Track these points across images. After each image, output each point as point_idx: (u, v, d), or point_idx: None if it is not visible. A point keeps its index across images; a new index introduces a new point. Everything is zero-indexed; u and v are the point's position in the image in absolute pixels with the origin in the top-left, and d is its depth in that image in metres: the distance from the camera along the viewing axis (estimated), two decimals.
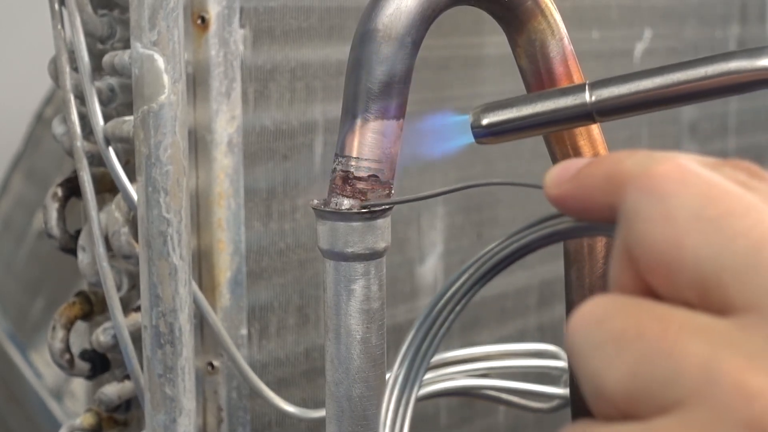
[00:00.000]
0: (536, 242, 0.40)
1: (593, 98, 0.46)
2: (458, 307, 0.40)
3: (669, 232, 0.29)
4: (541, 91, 0.47)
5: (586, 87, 0.46)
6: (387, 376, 0.52)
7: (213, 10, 0.76)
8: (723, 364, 0.26)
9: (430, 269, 0.98)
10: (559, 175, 0.34)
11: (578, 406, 0.62)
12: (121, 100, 0.75)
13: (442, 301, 0.40)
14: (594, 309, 0.29)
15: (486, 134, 0.48)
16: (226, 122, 0.77)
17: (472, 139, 0.49)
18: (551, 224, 0.38)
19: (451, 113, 0.53)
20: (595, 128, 0.61)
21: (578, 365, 0.29)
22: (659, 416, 0.27)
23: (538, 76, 0.58)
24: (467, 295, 0.40)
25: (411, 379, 0.38)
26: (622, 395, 0.28)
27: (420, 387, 0.38)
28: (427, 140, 0.54)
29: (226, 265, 0.78)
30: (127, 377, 0.78)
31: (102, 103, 0.74)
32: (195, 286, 0.72)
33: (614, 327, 0.28)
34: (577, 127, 0.56)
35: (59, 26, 0.75)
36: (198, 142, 0.77)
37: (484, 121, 0.47)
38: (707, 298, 0.28)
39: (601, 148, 0.62)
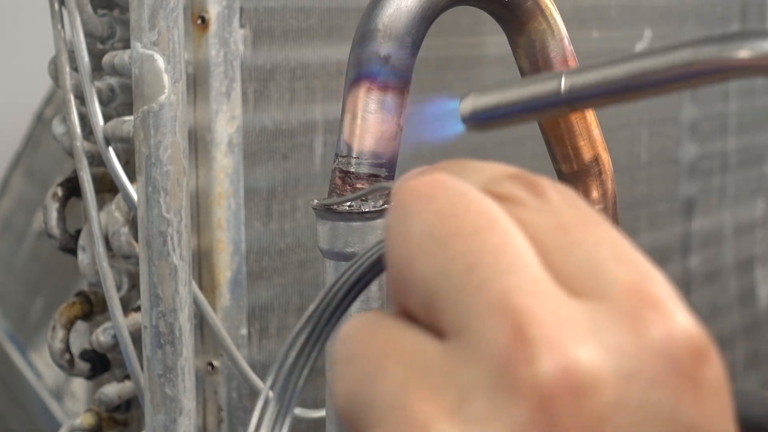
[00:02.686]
0: (371, 269, 0.39)
1: (565, 86, 0.46)
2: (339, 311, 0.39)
3: (404, 251, 0.28)
4: (525, 79, 0.47)
5: (563, 74, 0.46)
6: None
7: (213, 10, 0.76)
8: (409, 392, 0.26)
9: None
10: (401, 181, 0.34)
11: None
12: (121, 100, 0.75)
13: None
14: (346, 327, 0.29)
15: (476, 121, 0.48)
16: (226, 122, 0.77)
17: (461, 128, 0.49)
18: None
19: (445, 100, 0.53)
20: (595, 128, 0.61)
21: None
22: None
23: None
24: (312, 341, 0.39)
25: (285, 404, 0.38)
26: (343, 413, 0.28)
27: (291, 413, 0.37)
28: (420, 128, 0.54)
29: (226, 265, 0.78)
30: (127, 377, 0.78)
31: (102, 103, 0.74)
32: (195, 286, 0.72)
33: (349, 346, 0.29)
34: (559, 116, 0.56)
35: (59, 26, 0.75)
36: (198, 142, 0.77)
37: (472, 108, 0.48)
38: (431, 321, 0.27)
39: (601, 148, 0.62)
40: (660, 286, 0.27)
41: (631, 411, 0.25)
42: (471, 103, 0.48)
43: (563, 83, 0.45)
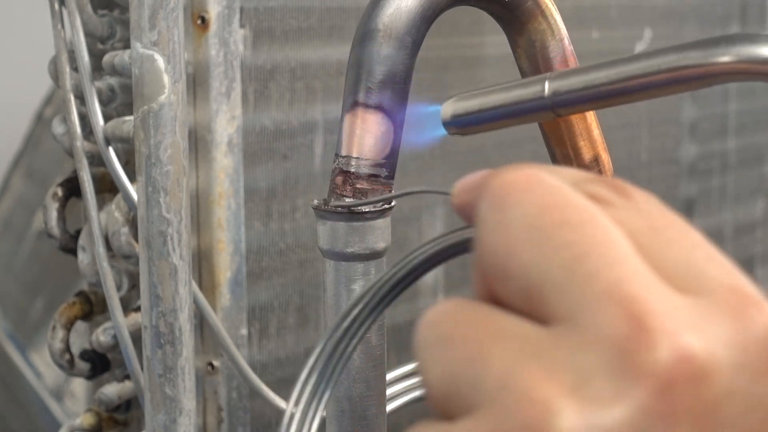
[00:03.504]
0: (438, 255, 0.39)
1: (550, 91, 0.45)
2: (360, 331, 0.39)
3: (503, 241, 0.29)
4: (506, 83, 0.47)
5: (546, 79, 0.46)
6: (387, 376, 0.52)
7: (213, 10, 0.76)
8: (521, 373, 0.27)
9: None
10: (464, 183, 0.35)
11: None
12: (121, 100, 0.75)
13: (341, 330, 0.39)
14: (435, 312, 0.30)
15: (455, 125, 0.48)
16: (226, 122, 0.77)
17: (443, 132, 0.49)
18: (454, 236, 0.39)
19: (426, 105, 0.53)
20: (595, 129, 0.61)
21: (418, 362, 0.30)
22: (462, 418, 0.28)
23: None
24: (369, 318, 0.39)
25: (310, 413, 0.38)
26: (437, 394, 0.29)
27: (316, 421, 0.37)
28: (406, 131, 0.54)
29: (226, 265, 0.78)
30: (127, 377, 0.78)
31: (102, 103, 0.74)
32: (195, 286, 0.72)
33: (444, 330, 0.29)
34: (542, 121, 0.55)
35: (59, 26, 0.75)
36: (198, 142, 0.77)
37: (452, 113, 0.48)
38: (531, 308, 0.28)
39: (601, 148, 0.62)
40: (753, 287, 0.28)
41: (739, 401, 0.26)
42: (451, 107, 0.48)
43: (547, 88, 0.45)
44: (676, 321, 0.26)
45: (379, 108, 0.53)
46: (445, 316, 0.30)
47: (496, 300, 0.30)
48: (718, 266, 0.28)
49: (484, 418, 0.27)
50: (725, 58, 0.42)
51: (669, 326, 0.26)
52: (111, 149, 0.72)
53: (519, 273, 0.28)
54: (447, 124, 0.48)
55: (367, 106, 0.53)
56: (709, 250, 0.29)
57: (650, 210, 0.30)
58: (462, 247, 0.39)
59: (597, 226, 0.28)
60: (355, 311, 0.39)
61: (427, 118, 0.53)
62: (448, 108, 0.48)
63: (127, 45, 0.72)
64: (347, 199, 0.54)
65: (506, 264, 0.29)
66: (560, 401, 0.26)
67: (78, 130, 0.75)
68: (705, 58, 0.42)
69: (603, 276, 0.27)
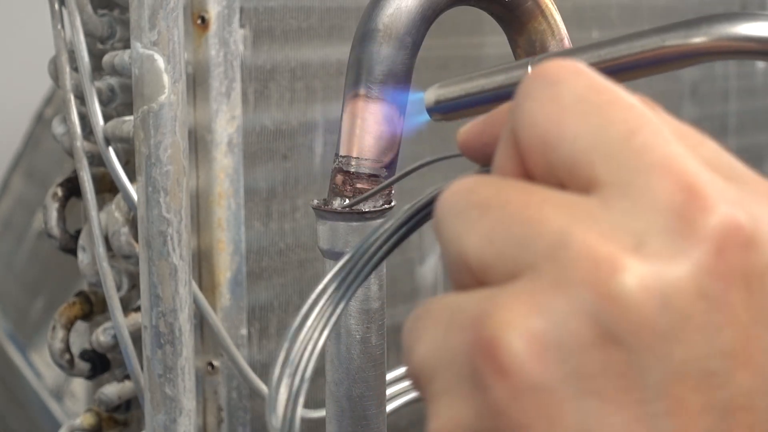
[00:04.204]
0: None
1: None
2: (374, 260, 0.40)
3: (552, 111, 0.30)
4: (489, 69, 0.47)
5: (529, 63, 0.46)
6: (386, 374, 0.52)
7: (213, 10, 0.76)
8: (577, 233, 0.27)
9: (430, 269, 0.98)
10: (470, 123, 0.36)
11: None
12: (121, 100, 0.75)
13: (362, 249, 0.40)
14: (465, 182, 0.30)
15: (438, 111, 0.48)
16: (226, 122, 0.77)
17: (427, 118, 0.49)
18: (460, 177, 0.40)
19: (412, 91, 0.53)
20: None
21: (441, 233, 0.30)
22: (510, 281, 0.28)
23: None
24: (383, 248, 0.40)
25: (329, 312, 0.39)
26: (478, 260, 0.29)
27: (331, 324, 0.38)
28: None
29: (226, 265, 0.78)
30: (127, 377, 0.78)
31: (102, 103, 0.74)
32: (195, 286, 0.72)
33: (480, 195, 0.30)
34: None
35: (59, 26, 0.75)
36: (198, 142, 0.77)
37: (435, 99, 0.48)
38: (576, 175, 0.29)
39: None
40: None
41: None
42: (434, 93, 0.48)
43: (530, 71, 0.46)
44: (724, 195, 0.28)
45: (379, 108, 0.53)
46: (477, 185, 0.30)
47: (526, 178, 0.30)
48: (741, 164, 0.31)
49: (540, 277, 0.27)
50: (705, 38, 0.42)
51: (719, 197, 0.28)
52: (111, 149, 0.72)
53: (568, 141, 0.29)
54: (431, 110, 0.48)
55: (367, 106, 0.53)
56: (728, 153, 0.31)
57: (673, 119, 0.31)
58: None
59: (644, 111, 0.30)
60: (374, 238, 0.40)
61: (411, 105, 0.53)
62: (432, 94, 0.48)
63: (127, 45, 0.72)
64: (348, 200, 0.54)
65: (555, 133, 0.29)
66: (626, 258, 0.27)
67: (78, 130, 0.75)
68: (685, 38, 0.42)
69: (656, 149, 0.28)
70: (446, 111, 0.48)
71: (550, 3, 0.58)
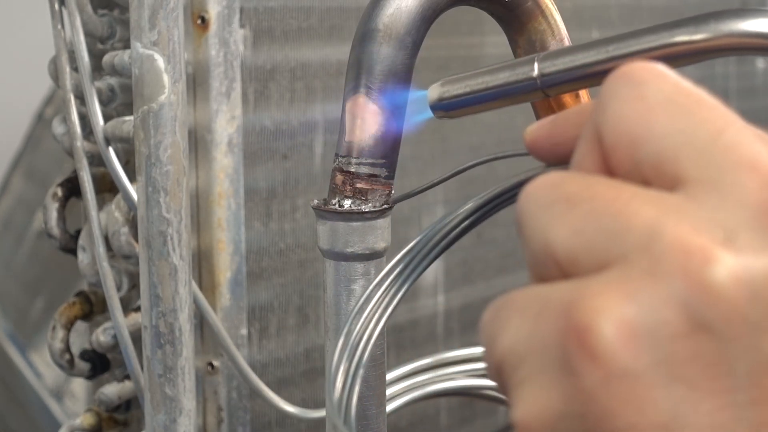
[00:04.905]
0: (519, 185, 0.41)
1: (538, 71, 0.46)
2: (442, 244, 0.41)
3: (639, 110, 0.31)
4: (493, 65, 0.47)
5: (535, 59, 0.46)
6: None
7: (213, 10, 0.76)
8: (668, 226, 0.28)
9: (430, 269, 0.98)
10: (537, 123, 0.37)
11: None
12: (121, 100, 0.75)
13: (432, 231, 0.41)
14: (550, 176, 0.31)
15: (442, 108, 0.48)
16: (226, 122, 0.77)
17: (430, 115, 0.49)
18: (524, 175, 0.40)
19: (413, 89, 0.53)
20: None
21: (525, 226, 0.31)
22: (600, 272, 0.29)
23: None
24: (458, 229, 0.41)
25: (402, 280, 0.39)
26: (566, 252, 0.29)
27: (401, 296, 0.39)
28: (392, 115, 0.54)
29: (226, 265, 0.78)
30: (127, 377, 0.78)
31: (102, 103, 0.74)
32: (195, 286, 0.72)
33: (568, 189, 0.30)
34: (532, 101, 0.55)
35: (59, 26, 0.75)
36: (198, 142, 0.77)
37: (438, 96, 0.48)
38: (662, 172, 0.30)
39: None
40: None
41: None
42: (438, 90, 0.48)
43: (536, 68, 0.46)
44: None
45: (379, 108, 0.53)
46: (563, 180, 0.31)
47: (608, 175, 0.31)
48: None
49: (633, 268, 0.28)
50: (713, 34, 0.42)
51: None
52: (111, 149, 0.72)
53: (656, 138, 0.30)
54: (434, 108, 0.48)
55: (367, 105, 0.53)
56: None
57: (748, 124, 0.32)
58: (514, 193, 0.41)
59: (729, 112, 0.31)
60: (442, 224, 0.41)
61: (414, 103, 0.53)
62: (435, 91, 0.48)
63: (127, 45, 0.72)
64: (348, 200, 0.54)
65: (642, 130, 0.30)
66: (719, 251, 0.28)
67: (78, 130, 0.75)
68: (693, 34, 0.42)
69: (743, 148, 0.29)
70: (450, 108, 0.48)
71: (550, 3, 0.58)
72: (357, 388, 0.38)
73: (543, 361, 0.29)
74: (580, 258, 0.29)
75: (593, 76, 0.45)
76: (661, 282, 0.28)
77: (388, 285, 0.40)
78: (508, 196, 0.42)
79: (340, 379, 0.38)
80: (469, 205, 0.43)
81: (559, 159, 0.36)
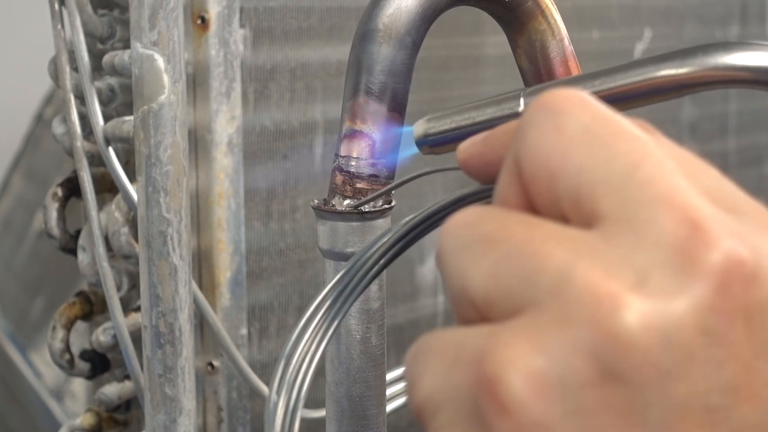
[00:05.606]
0: (446, 208, 0.42)
1: (524, 107, 0.46)
2: (373, 271, 0.41)
3: (557, 142, 0.30)
4: (480, 101, 0.47)
5: (521, 95, 0.46)
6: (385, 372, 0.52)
7: (213, 10, 0.76)
8: (580, 269, 0.27)
9: (430, 269, 0.98)
10: (469, 140, 0.36)
11: None
12: (121, 100, 0.75)
13: (359, 264, 0.40)
14: (468, 214, 0.30)
15: (427, 144, 0.48)
16: (226, 122, 0.77)
17: (417, 150, 0.49)
18: (460, 192, 0.40)
19: (400, 126, 0.54)
20: None
21: (445, 266, 0.30)
22: (512, 318, 0.28)
23: (539, 77, 0.58)
24: (382, 260, 0.41)
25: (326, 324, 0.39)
26: (482, 295, 0.29)
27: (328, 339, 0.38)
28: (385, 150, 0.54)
29: (226, 265, 0.78)
30: (127, 377, 0.78)
31: (102, 103, 0.74)
32: (195, 286, 0.72)
33: (484, 229, 0.30)
34: None
35: (59, 26, 0.75)
36: (198, 142, 0.77)
37: (424, 132, 0.48)
38: (580, 208, 0.29)
39: None
40: None
41: None
42: (423, 126, 0.48)
43: (522, 104, 0.45)
44: (726, 229, 0.28)
45: (379, 108, 0.53)
46: (480, 218, 0.30)
47: (526, 209, 0.30)
48: (742, 193, 0.30)
49: (542, 314, 0.28)
50: (699, 68, 0.42)
51: (721, 232, 0.28)
52: (111, 149, 0.72)
53: (572, 173, 0.29)
54: (420, 143, 0.48)
55: (367, 105, 0.53)
56: (729, 181, 0.31)
57: (675, 146, 0.31)
58: (466, 201, 0.41)
59: (648, 142, 0.30)
60: (367, 255, 0.41)
61: (400, 138, 0.53)
62: (420, 127, 0.48)
63: (127, 45, 0.72)
64: (348, 200, 0.54)
65: (558, 164, 0.29)
66: (625, 296, 0.27)
67: (78, 130, 0.75)
68: (679, 68, 0.42)
69: (659, 183, 0.28)
70: (435, 144, 0.48)
71: (550, 3, 0.58)
72: (297, 427, 0.37)
73: (457, 411, 0.28)
74: (495, 302, 0.29)
75: None
76: (570, 330, 0.27)
77: (324, 313, 0.40)
78: (443, 215, 0.42)
79: (281, 410, 0.38)
80: (402, 228, 0.42)
81: (491, 178, 0.35)
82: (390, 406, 0.70)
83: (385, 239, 0.42)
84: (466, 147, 0.36)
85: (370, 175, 0.53)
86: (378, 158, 0.53)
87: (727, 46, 0.43)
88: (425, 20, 0.55)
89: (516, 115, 0.46)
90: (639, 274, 0.27)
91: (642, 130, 0.31)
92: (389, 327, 0.57)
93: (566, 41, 0.58)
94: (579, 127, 0.30)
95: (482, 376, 0.28)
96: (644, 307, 0.27)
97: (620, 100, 0.43)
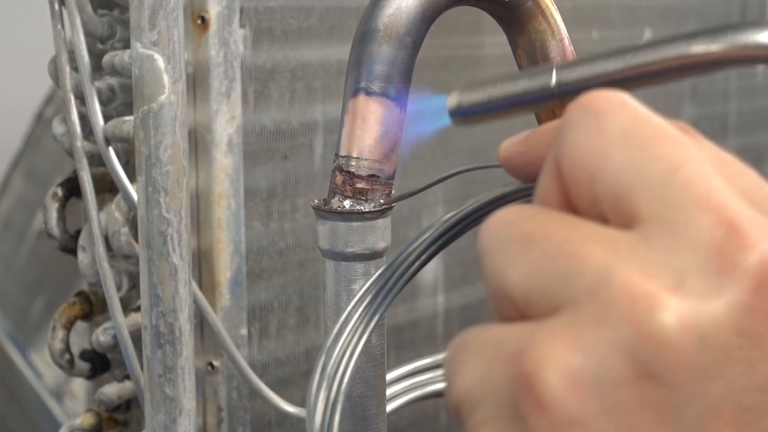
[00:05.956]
0: (486, 206, 0.42)
1: (556, 80, 0.46)
2: (414, 267, 0.41)
3: (597, 143, 0.30)
4: (512, 73, 0.47)
5: (553, 69, 0.46)
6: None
7: (213, 10, 0.76)
8: (618, 270, 0.28)
9: (430, 269, 0.98)
10: (512, 139, 0.37)
11: None
12: (121, 100, 0.75)
13: (400, 259, 0.41)
14: (509, 213, 0.31)
15: (461, 114, 0.48)
16: (226, 122, 0.77)
17: (449, 122, 0.49)
18: (501, 189, 0.40)
19: (429, 94, 0.53)
20: None
21: (485, 264, 0.31)
22: (551, 316, 0.29)
23: None
24: (423, 256, 0.41)
25: (365, 321, 0.39)
26: (521, 293, 0.29)
27: (370, 333, 0.39)
28: (408, 123, 0.54)
29: (226, 265, 0.78)
30: (127, 377, 0.78)
31: (102, 103, 0.74)
32: (195, 286, 0.72)
33: (524, 228, 0.30)
34: (548, 109, 0.56)
35: (59, 26, 0.75)
36: (198, 142, 0.77)
37: (458, 103, 0.48)
38: (619, 209, 0.29)
39: None
40: None
41: None
42: (457, 98, 0.48)
43: (554, 78, 0.46)
44: (764, 231, 0.28)
45: (379, 108, 0.53)
46: (522, 217, 0.30)
47: (569, 209, 0.31)
48: None
49: (581, 313, 0.28)
50: (730, 45, 0.42)
51: (758, 234, 0.28)
52: (111, 149, 0.72)
53: (612, 175, 0.30)
54: (453, 115, 0.49)
55: (367, 106, 0.53)
56: (766, 183, 0.31)
57: (714, 147, 0.32)
58: (506, 199, 0.41)
59: (687, 145, 0.30)
60: (410, 249, 0.41)
61: (430, 109, 0.53)
62: (454, 98, 0.48)
63: (127, 45, 0.72)
64: (348, 200, 0.54)
65: (599, 166, 0.30)
66: (663, 296, 0.27)
67: (78, 130, 0.75)
68: (710, 45, 0.42)
69: (698, 186, 0.29)
70: (468, 115, 0.48)
71: (550, 3, 0.58)
72: (337, 419, 0.38)
73: (496, 406, 0.29)
74: (534, 300, 0.29)
75: (610, 85, 0.45)
76: (608, 329, 0.27)
77: (361, 312, 0.40)
78: (483, 213, 0.43)
79: (320, 410, 0.38)
80: (441, 226, 0.43)
81: (531, 177, 0.36)
82: (390, 406, 0.70)
83: (426, 236, 0.42)
84: (507, 146, 0.37)
85: (370, 175, 0.53)
86: (387, 125, 0.53)
87: (757, 24, 0.43)
88: (425, 20, 0.55)
89: (548, 88, 0.46)
90: (677, 275, 0.28)
91: (682, 132, 0.31)
92: (389, 327, 0.57)
93: (566, 41, 0.58)
94: (619, 129, 0.30)
95: (520, 373, 0.28)
96: (681, 308, 0.27)
97: (649, 77, 0.44)
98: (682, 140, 0.30)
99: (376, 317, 0.40)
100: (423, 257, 0.42)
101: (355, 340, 0.39)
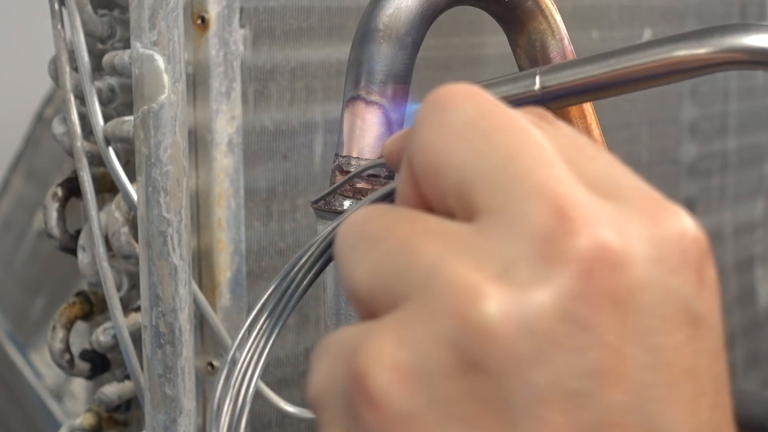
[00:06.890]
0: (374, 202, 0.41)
1: (540, 84, 0.46)
2: (316, 268, 0.41)
3: (440, 138, 0.30)
4: (497, 78, 0.47)
5: (537, 73, 0.46)
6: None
7: (213, 10, 0.76)
8: (448, 263, 0.28)
9: None
10: (393, 136, 0.37)
11: None
12: (121, 100, 0.75)
13: (300, 264, 0.41)
14: (359, 214, 0.31)
15: None
16: (226, 122, 0.77)
17: None
18: (391, 186, 0.41)
19: (412, 94, 0.54)
20: (595, 129, 0.61)
21: (339, 266, 0.31)
22: (388, 313, 0.29)
23: None
24: (326, 254, 0.41)
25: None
26: (366, 292, 0.30)
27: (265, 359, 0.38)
28: (408, 123, 0.54)
29: (226, 265, 0.78)
30: (127, 377, 0.78)
31: (102, 103, 0.74)
32: (195, 286, 0.72)
33: (370, 228, 0.30)
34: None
35: (59, 26, 0.75)
36: (198, 142, 0.77)
37: None
38: (462, 202, 0.30)
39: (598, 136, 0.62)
40: (665, 197, 0.30)
41: (653, 292, 0.28)
42: None
43: (537, 82, 0.46)
44: (596, 216, 0.28)
45: (379, 108, 0.53)
46: (369, 218, 0.31)
47: (423, 205, 0.31)
48: (634, 179, 0.30)
49: (411, 309, 0.28)
50: (716, 49, 0.42)
51: (589, 219, 0.28)
52: (111, 149, 0.72)
53: (454, 169, 0.30)
54: None
55: (367, 106, 0.53)
56: (624, 167, 0.31)
57: (572, 133, 0.32)
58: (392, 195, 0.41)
59: (530, 133, 0.30)
60: (303, 260, 0.41)
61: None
62: None
63: (127, 45, 0.72)
64: (348, 200, 0.54)
65: (442, 161, 0.30)
66: (486, 287, 0.27)
67: (78, 130, 0.75)
68: (696, 49, 0.42)
69: (532, 174, 0.29)
70: None
71: (550, 3, 0.58)
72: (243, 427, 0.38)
73: (337, 405, 0.29)
74: (377, 299, 0.29)
75: (595, 90, 0.45)
76: (433, 322, 0.28)
77: (259, 329, 0.40)
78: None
79: (225, 420, 0.38)
80: (323, 239, 0.42)
81: None
82: None
83: (309, 252, 0.42)
84: (388, 143, 0.37)
85: (370, 175, 0.54)
86: (387, 125, 0.53)
87: (744, 27, 0.43)
88: (425, 20, 0.55)
89: (532, 92, 0.46)
90: (504, 265, 0.28)
91: (538, 120, 0.31)
92: None
93: (566, 41, 0.58)
94: (461, 121, 0.30)
95: (352, 371, 0.28)
96: (504, 297, 0.27)
97: (636, 80, 0.44)
98: (525, 129, 0.30)
99: (275, 332, 0.39)
100: (314, 271, 0.41)
101: (255, 357, 0.39)
